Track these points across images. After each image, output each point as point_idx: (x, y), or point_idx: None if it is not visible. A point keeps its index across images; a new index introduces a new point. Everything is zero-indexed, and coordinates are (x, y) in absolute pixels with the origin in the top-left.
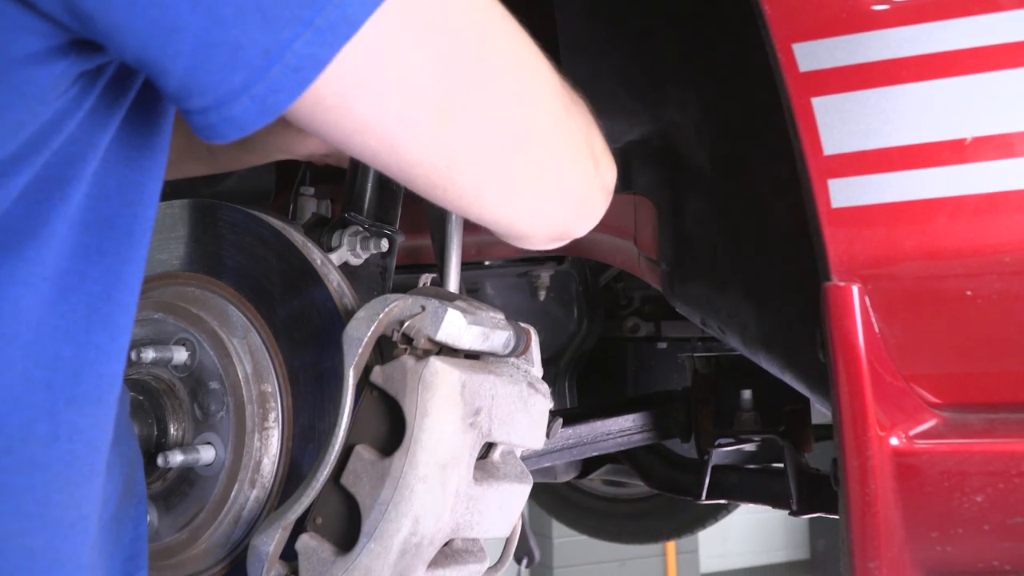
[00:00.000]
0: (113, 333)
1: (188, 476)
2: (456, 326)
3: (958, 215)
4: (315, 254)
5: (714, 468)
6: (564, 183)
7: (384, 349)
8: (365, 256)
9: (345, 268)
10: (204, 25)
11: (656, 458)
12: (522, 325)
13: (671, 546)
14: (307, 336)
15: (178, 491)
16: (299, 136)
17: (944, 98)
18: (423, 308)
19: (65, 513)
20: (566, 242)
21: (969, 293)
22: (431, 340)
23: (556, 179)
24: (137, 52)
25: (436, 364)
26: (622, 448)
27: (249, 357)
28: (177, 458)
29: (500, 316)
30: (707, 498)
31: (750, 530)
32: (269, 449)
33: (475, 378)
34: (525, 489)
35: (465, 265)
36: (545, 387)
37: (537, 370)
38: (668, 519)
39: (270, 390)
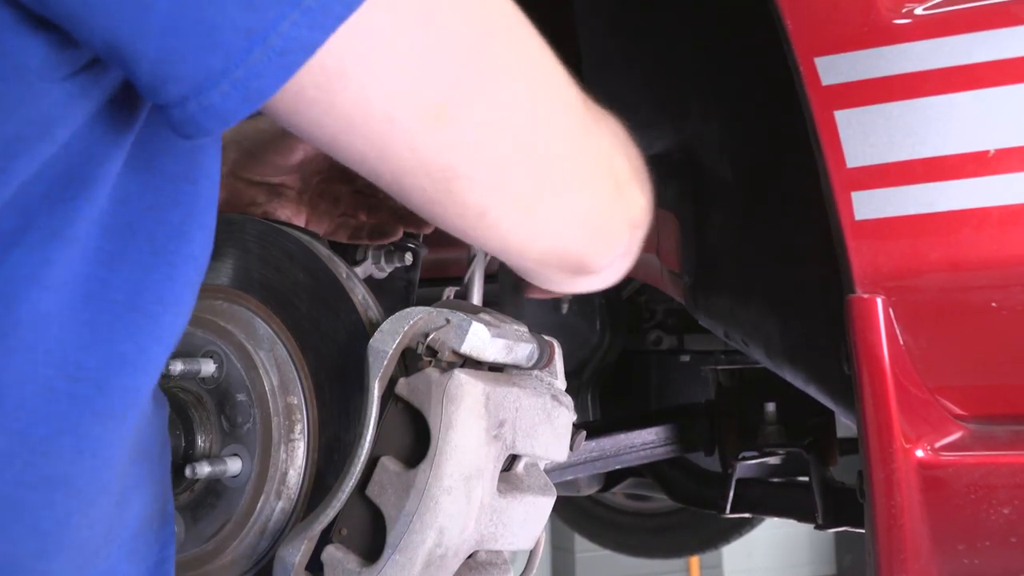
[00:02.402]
0: (140, 343)
1: (215, 487)
2: (480, 339)
3: (982, 227)
4: (340, 268)
5: (738, 481)
6: (577, 205)
7: (409, 361)
8: (389, 270)
9: (370, 282)
10: (175, 1)
11: (679, 471)
12: (545, 338)
13: (695, 561)
14: (333, 349)
15: (205, 503)
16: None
17: (966, 111)
18: (447, 321)
19: (82, 533)
20: (587, 279)
21: (994, 304)
22: (455, 352)
23: (568, 200)
24: (102, 33)
25: (460, 376)
26: (645, 461)
27: (276, 369)
28: (204, 469)
29: (524, 329)
30: (731, 512)
31: (775, 545)
32: (295, 461)
33: (499, 390)
34: (549, 501)
35: (488, 278)
36: (569, 400)
37: (561, 383)
38: (692, 533)
39: (296, 402)
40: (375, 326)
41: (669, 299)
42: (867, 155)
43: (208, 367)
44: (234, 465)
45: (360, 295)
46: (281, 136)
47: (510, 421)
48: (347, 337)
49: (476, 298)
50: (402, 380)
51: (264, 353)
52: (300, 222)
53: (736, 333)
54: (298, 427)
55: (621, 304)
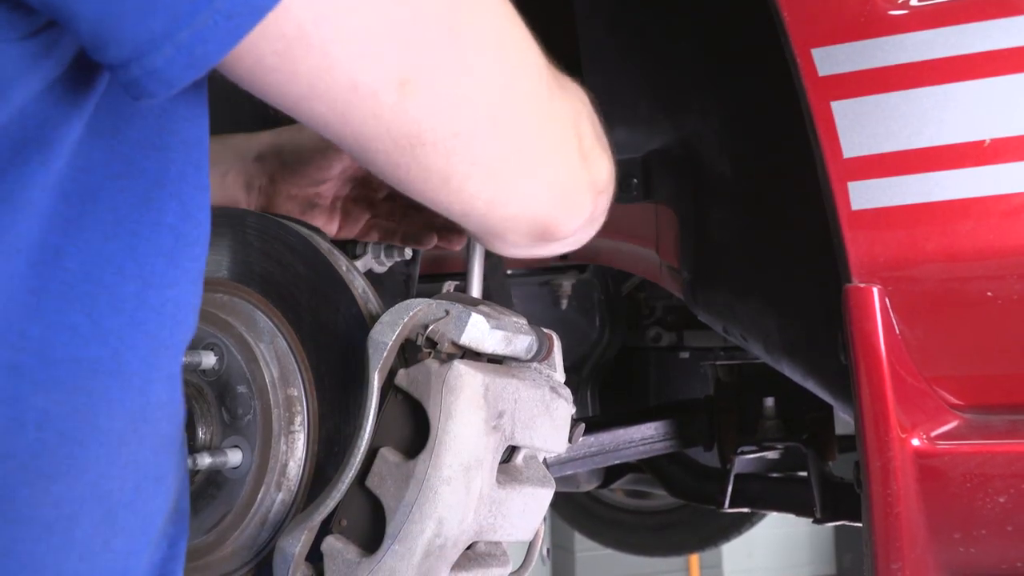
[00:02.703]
0: (93, 315)
1: (216, 479)
2: (479, 330)
3: (978, 217)
4: (341, 261)
5: (737, 476)
6: (544, 171)
7: (408, 353)
8: (389, 264)
9: (370, 275)
10: None
11: (678, 467)
12: (544, 330)
13: (695, 560)
14: (332, 341)
15: (205, 494)
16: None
17: (962, 101)
18: (447, 312)
19: (37, 511)
20: (551, 246)
21: (990, 294)
22: (455, 344)
23: (534, 166)
24: None
25: (460, 367)
26: (644, 456)
27: (276, 362)
28: (205, 461)
29: (523, 321)
30: (730, 506)
31: (775, 544)
32: (295, 452)
33: (498, 381)
34: (548, 493)
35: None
36: (567, 392)
37: (559, 375)
38: (693, 531)
39: (296, 394)
40: (375, 318)
41: (669, 295)
42: (864, 145)
43: (209, 359)
44: (234, 456)
45: (360, 288)
46: (321, 152)
47: (509, 412)
48: (347, 329)
49: (476, 291)
50: (402, 371)
51: (264, 345)
52: (332, 229)
53: (735, 329)
54: (298, 419)
55: (621, 300)
